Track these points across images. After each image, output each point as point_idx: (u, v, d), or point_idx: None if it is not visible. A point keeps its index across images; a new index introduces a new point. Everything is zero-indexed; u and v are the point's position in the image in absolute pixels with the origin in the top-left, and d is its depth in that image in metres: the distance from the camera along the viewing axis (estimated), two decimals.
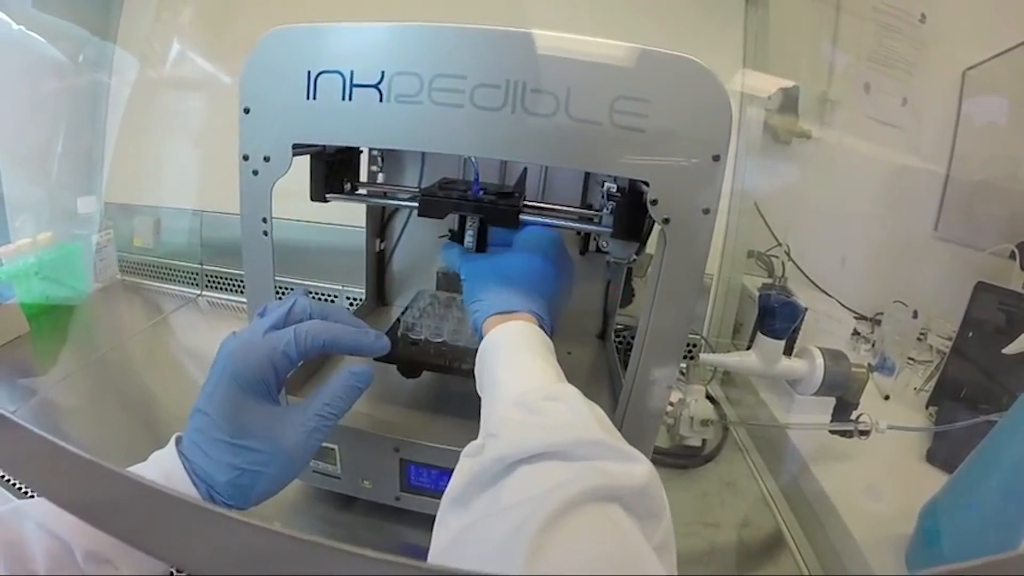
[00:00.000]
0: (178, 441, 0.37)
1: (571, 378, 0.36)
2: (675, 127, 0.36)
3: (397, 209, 0.72)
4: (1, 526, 0.30)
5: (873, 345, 0.83)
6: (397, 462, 0.48)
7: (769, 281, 0.88)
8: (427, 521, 0.31)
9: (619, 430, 0.32)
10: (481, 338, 0.40)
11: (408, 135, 0.39)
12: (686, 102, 0.36)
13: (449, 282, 0.65)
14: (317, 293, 0.97)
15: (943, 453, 0.60)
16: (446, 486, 0.31)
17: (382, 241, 0.73)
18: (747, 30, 0.88)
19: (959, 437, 0.54)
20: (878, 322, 0.88)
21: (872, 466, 0.61)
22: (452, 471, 0.31)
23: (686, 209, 0.37)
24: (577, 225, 0.53)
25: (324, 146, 0.48)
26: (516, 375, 0.36)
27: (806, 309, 0.69)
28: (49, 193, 0.98)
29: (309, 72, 0.38)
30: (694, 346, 0.88)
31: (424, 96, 0.37)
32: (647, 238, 0.47)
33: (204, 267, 1.03)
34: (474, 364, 0.40)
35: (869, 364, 0.66)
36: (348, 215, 0.84)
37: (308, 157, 0.48)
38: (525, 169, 0.61)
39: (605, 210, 0.47)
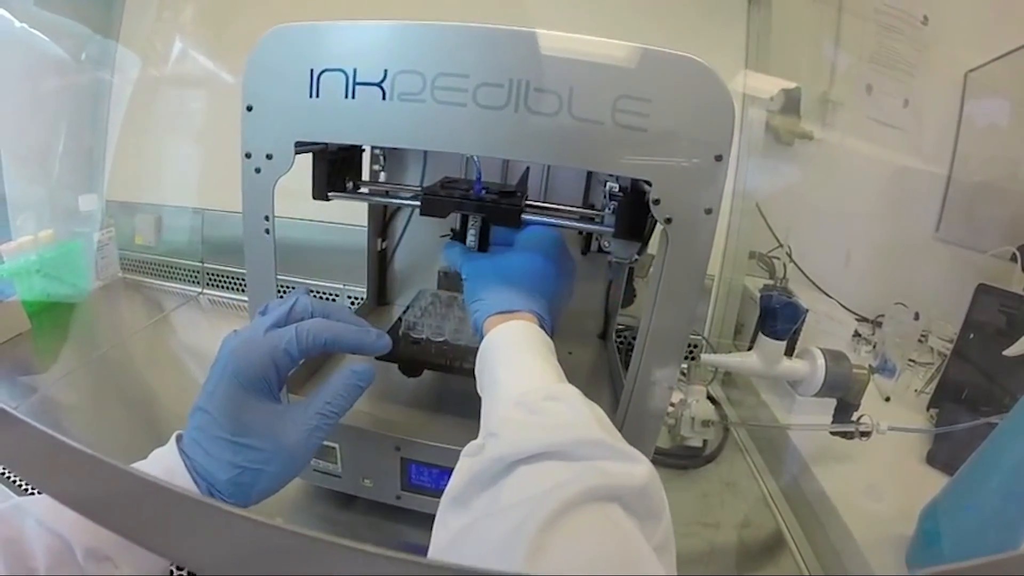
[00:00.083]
0: (179, 439, 0.37)
1: (572, 378, 0.36)
2: (677, 127, 0.36)
3: (399, 208, 0.72)
4: (1, 523, 0.30)
5: (874, 347, 0.83)
6: (398, 461, 0.48)
7: (770, 282, 0.88)
8: (428, 520, 0.31)
9: (620, 430, 0.32)
10: (482, 338, 0.40)
11: (411, 134, 0.39)
12: (688, 102, 0.36)
13: (450, 281, 0.65)
14: (318, 292, 0.97)
15: (943, 455, 0.60)
16: (447, 485, 0.31)
17: (384, 240, 0.73)
18: (749, 31, 0.88)
19: (959, 439, 0.54)
20: (879, 324, 0.88)
21: (873, 467, 0.61)
22: (453, 470, 0.31)
23: (688, 209, 0.37)
24: (579, 225, 0.53)
25: (326, 144, 0.48)
26: (516, 375, 0.36)
27: (807, 310, 0.69)
28: (51, 191, 0.98)
29: (312, 70, 0.38)
30: (695, 347, 0.88)
31: (427, 95, 0.37)
32: (649, 238, 0.47)
33: (205, 265, 1.03)
34: (475, 363, 0.40)
35: (870, 365, 0.66)
36: (350, 214, 0.84)
37: (310, 155, 0.48)
38: (527, 168, 0.61)
39: (607, 210, 0.47)
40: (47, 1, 0.91)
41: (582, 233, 0.66)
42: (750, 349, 0.67)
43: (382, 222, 0.72)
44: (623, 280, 0.64)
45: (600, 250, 0.64)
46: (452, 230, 0.57)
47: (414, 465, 0.48)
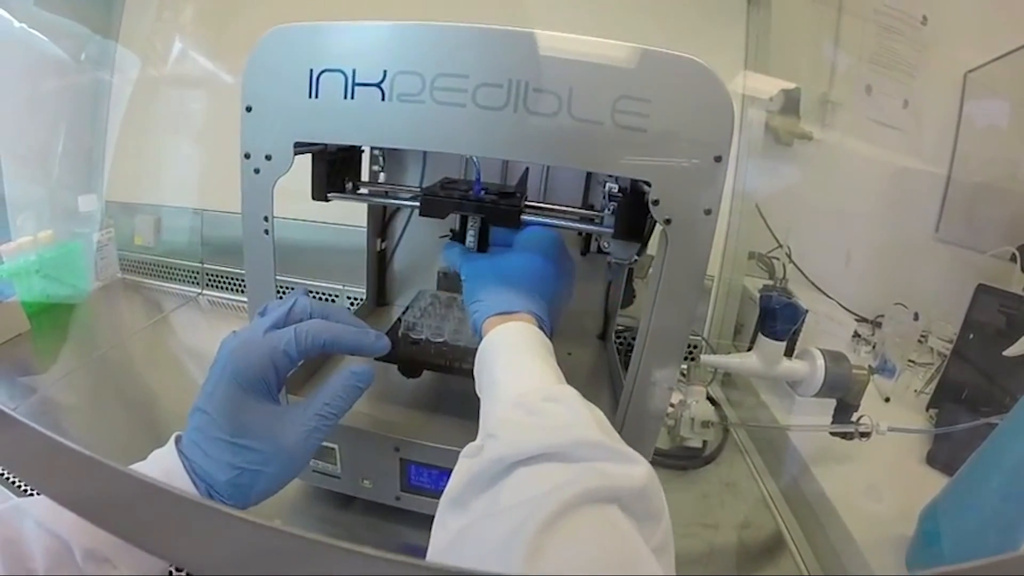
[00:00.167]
0: (178, 440, 0.37)
1: (571, 379, 0.36)
2: (677, 127, 0.36)
3: (398, 209, 0.72)
4: (0, 524, 0.30)
5: (874, 347, 0.83)
6: (397, 462, 0.48)
7: (770, 283, 0.88)
8: (427, 521, 0.31)
9: (620, 431, 0.32)
10: (481, 338, 0.40)
11: (410, 134, 0.39)
12: (688, 102, 0.36)
13: (450, 282, 0.65)
14: (318, 293, 0.97)
15: (943, 455, 0.60)
16: (446, 486, 0.31)
17: (383, 241, 0.73)
18: (749, 31, 0.88)
19: (959, 439, 0.54)
20: (879, 324, 0.88)
21: (872, 468, 0.61)
22: (452, 471, 0.31)
23: (688, 210, 0.37)
24: (578, 225, 0.53)
25: (326, 145, 0.48)
26: (515, 376, 0.36)
27: (807, 311, 0.69)
28: (50, 191, 0.98)
29: (312, 70, 0.38)
30: (695, 347, 0.88)
31: (426, 95, 0.37)
32: (648, 239, 0.47)
33: (205, 266, 1.03)
34: (474, 364, 0.40)
35: (870, 366, 0.66)
36: (349, 214, 0.84)
37: (309, 156, 0.48)
38: (527, 169, 0.61)
39: (606, 210, 0.47)
40: (47, 1, 0.91)
41: (581, 234, 0.66)
42: (750, 350, 0.67)
43: (381, 223, 0.72)
44: (622, 281, 0.64)
45: (599, 251, 0.64)
46: (451, 231, 0.57)
47: (413, 466, 0.48)
